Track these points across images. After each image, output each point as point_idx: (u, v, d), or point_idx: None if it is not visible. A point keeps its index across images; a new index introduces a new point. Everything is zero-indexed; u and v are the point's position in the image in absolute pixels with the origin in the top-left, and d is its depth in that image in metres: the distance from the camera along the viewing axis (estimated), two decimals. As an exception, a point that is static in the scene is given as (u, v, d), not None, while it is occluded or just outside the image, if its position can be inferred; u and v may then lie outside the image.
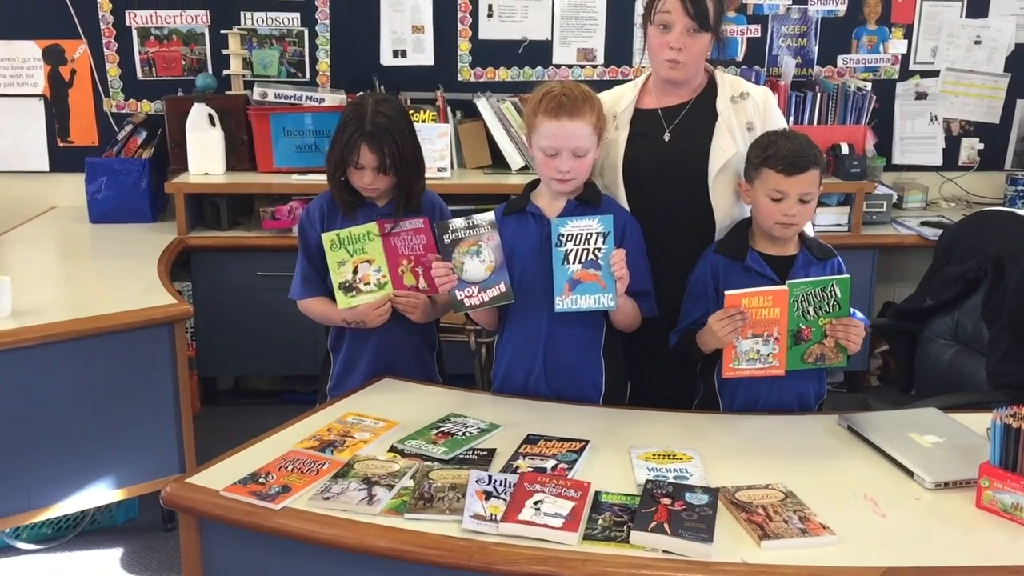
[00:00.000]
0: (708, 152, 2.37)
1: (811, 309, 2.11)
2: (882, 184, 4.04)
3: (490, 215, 2.22)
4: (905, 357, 2.88)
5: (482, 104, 3.94)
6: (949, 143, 4.31)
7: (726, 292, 2.11)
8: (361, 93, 2.44)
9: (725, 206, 2.39)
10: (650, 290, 2.26)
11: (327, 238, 2.34)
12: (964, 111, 4.28)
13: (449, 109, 3.97)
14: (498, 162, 3.98)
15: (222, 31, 3.96)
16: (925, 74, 4.26)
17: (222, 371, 4.01)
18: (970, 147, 4.32)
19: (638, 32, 4.12)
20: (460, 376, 3.91)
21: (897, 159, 4.29)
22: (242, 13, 4.02)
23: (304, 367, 3.69)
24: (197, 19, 4.02)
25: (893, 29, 4.22)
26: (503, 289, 2.19)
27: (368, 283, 2.35)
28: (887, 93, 4.22)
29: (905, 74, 4.26)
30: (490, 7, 4.09)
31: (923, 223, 3.93)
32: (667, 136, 2.41)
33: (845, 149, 3.92)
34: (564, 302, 2.13)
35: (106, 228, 3.78)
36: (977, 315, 2.64)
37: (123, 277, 3.18)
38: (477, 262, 2.20)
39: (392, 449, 1.94)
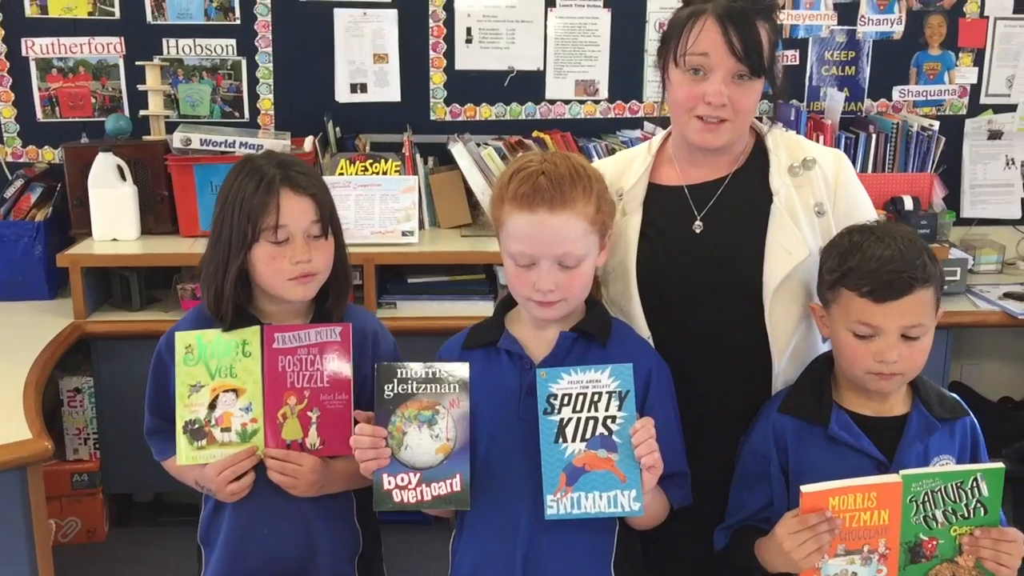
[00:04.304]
0: (762, 252, 1.62)
1: (938, 512, 1.37)
2: (954, 246, 3.28)
3: (464, 368, 1.46)
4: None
5: (458, 150, 3.19)
6: (1029, 192, 3.57)
7: (802, 488, 1.35)
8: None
9: (785, 333, 1.63)
10: (685, 470, 1.50)
11: (181, 340, 1.61)
12: (1047, 153, 3.54)
13: (419, 156, 3.23)
14: (480, 219, 3.24)
15: (139, 62, 3.22)
16: (999, 108, 3.52)
17: (136, 485, 3.24)
18: (1054, 196, 3.58)
19: (649, 61, 3.38)
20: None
21: (966, 212, 3.53)
22: (164, 40, 3.28)
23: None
24: (109, 48, 3.28)
25: (961, 54, 3.47)
26: (457, 488, 1.43)
27: (228, 428, 1.59)
28: (954, 132, 3.47)
29: (975, 108, 3.52)
30: (468, 31, 3.34)
31: (1006, 295, 3.18)
32: (698, 226, 1.67)
33: (909, 203, 3.18)
34: (560, 504, 1.38)
35: (-10, 309, 3.04)
36: None
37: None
38: (427, 436, 1.44)
39: None
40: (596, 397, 1.39)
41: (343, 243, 1.71)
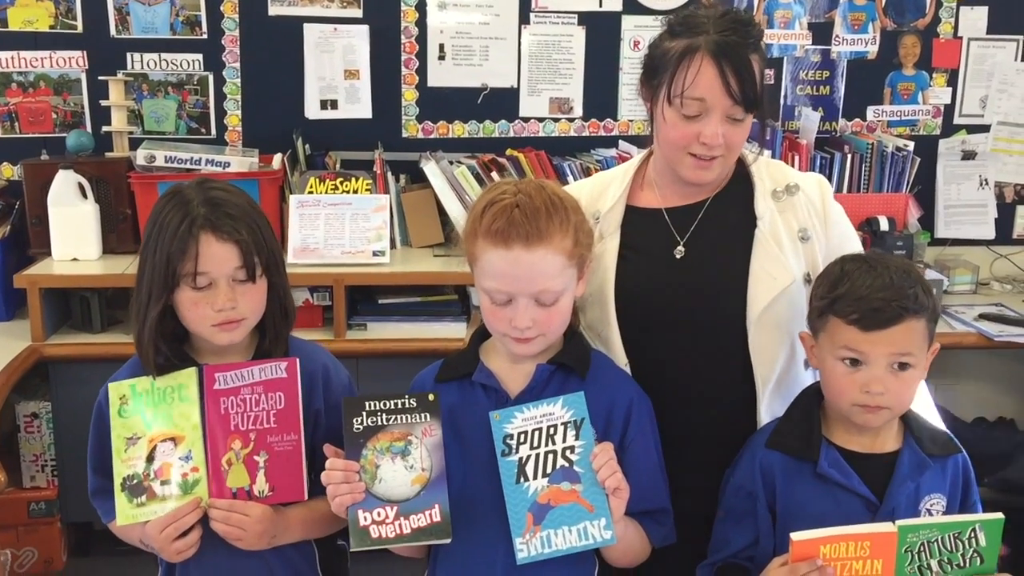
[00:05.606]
0: (745, 278, 1.58)
1: (934, 562, 1.32)
2: (929, 267, 3.27)
3: (434, 395, 1.41)
4: (1016, 544, 2.08)
5: (430, 168, 3.13)
6: (1002, 212, 3.56)
7: (792, 536, 1.30)
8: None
9: (769, 361, 1.59)
10: (667, 507, 1.45)
11: (115, 391, 1.52)
12: (1020, 173, 3.54)
13: (390, 173, 3.17)
14: (453, 238, 3.18)
15: (102, 77, 3.14)
16: (973, 129, 3.51)
17: (95, 513, 3.10)
18: (1027, 217, 3.59)
19: (624, 79, 3.35)
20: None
21: (940, 232, 3.52)
22: (128, 54, 3.20)
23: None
24: (72, 61, 3.19)
25: (934, 75, 3.47)
26: (437, 518, 1.37)
27: (167, 481, 1.49)
28: (927, 152, 3.46)
29: (949, 129, 3.52)
30: (441, 47, 3.29)
31: (981, 316, 3.16)
32: (680, 251, 1.63)
33: (884, 224, 3.17)
34: (530, 545, 1.32)
35: (-56, 332, 2.93)
36: None
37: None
38: (401, 468, 1.38)
39: None
40: (552, 430, 1.35)
41: (281, 281, 1.58)
